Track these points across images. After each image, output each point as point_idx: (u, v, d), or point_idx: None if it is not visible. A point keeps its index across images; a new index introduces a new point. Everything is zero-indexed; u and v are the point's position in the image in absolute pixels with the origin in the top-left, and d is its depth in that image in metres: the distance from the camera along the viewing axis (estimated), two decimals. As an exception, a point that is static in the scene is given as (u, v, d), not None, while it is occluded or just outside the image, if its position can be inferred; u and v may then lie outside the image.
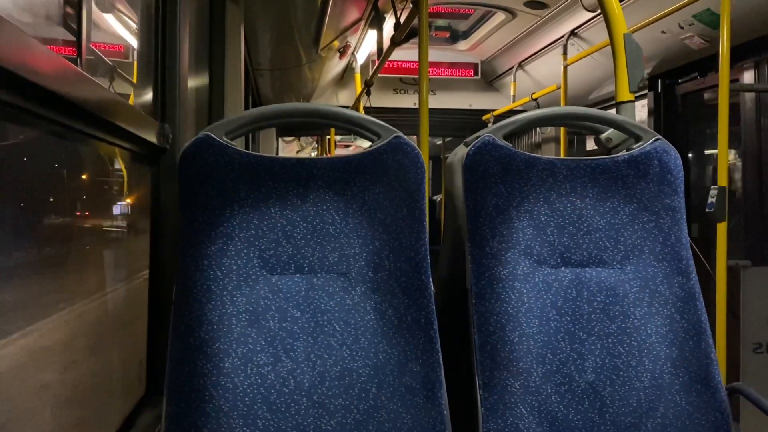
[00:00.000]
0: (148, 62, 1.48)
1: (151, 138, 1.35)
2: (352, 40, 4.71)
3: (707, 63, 3.67)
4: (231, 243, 1.22)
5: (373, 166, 1.28)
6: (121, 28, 1.57)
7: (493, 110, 5.88)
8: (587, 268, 1.32)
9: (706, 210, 2.77)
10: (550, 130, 5.85)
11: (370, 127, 1.31)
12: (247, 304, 1.21)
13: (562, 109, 1.51)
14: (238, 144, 1.28)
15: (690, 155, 4.12)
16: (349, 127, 1.32)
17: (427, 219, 2.50)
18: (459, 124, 6.41)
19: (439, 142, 8.92)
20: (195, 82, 2.26)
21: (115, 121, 1.07)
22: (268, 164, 1.26)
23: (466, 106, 6.10)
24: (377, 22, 3.91)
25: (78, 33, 0.96)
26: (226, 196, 1.23)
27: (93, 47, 1.94)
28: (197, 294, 1.19)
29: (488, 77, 6.09)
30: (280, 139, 7.71)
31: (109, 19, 2.05)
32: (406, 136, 1.31)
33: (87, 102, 0.92)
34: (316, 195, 1.27)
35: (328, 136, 7.00)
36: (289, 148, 9.95)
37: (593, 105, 4.92)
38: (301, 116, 1.35)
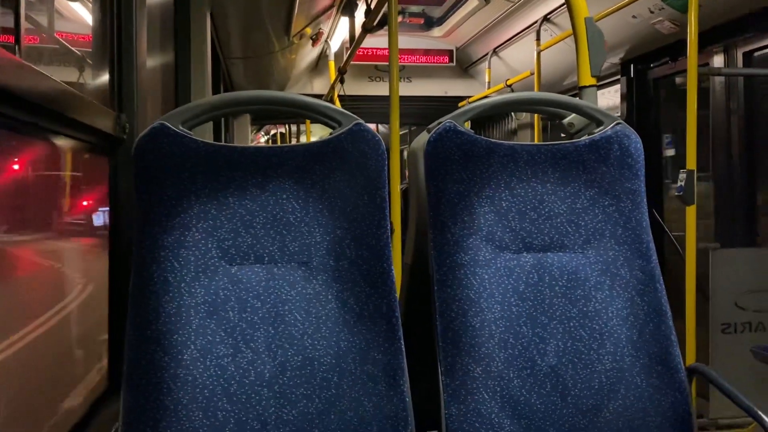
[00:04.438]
0: (104, 50, 1.45)
1: (107, 128, 1.32)
2: (325, 27, 4.67)
3: (678, 47, 3.69)
4: (188, 234, 1.20)
5: (333, 154, 1.26)
6: (89, 17, 1.54)
7: (469, 97, 5.88)
8: (549, 253, 1.33)
9: (676, 193, 2.79)
10: (525, 117, 5.87)
11: (329, 114, 1.29)
12: (206, 295, 1.19)
13: (524, 94, 1.50)
14: (207, 134, 1.26)
15: (662, 139, 4.15)
16: (308, 113, 1.31)
17: (399, 206, 2.49)
18: (435, 112, 6.41)
19: (403, 132, 8.78)
20: (159, 71, 2.22)
21: (62, 112, 1.04)
22: (225, 153, 1.24)
23: (441, 93, 6.09)
24: (349, 9, 3.88)
25: (16, 18, 0.93)
26: (182, 186, 1.21)
27: (58, 36, 1.91)
28: (154, 286, 1.17)
29: (463, 64, 6.08)
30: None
31: (76, 7, 2.00)
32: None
33: (28, 92, 0.89)
34: (276, 184, 1.26)
35: (295, 128, 6.95)
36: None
37: (567, 91, 4.94)
38: (259, 103, 1.33)
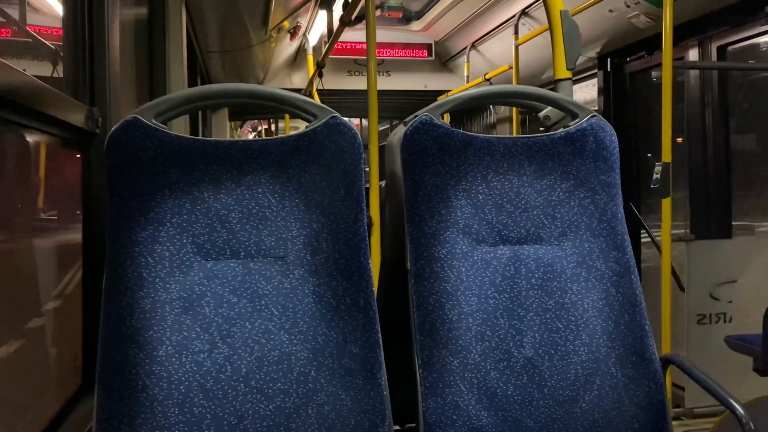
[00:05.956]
0: (76, 42, 1.42)
1: (78, 122, 1.30)
2: (303, 21, 4.64)
3: (654, 41, 3.72)
4: (162, 229, 1.19)
5: (308, 148, 1.26)
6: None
7: (448, 91, 5.89)
8: (525, 245, 1.33)
9: (651, 186, 2.83)
10: (504, 111, 5.89)
11: (304, 107, 1.28)
12: (181, 291, 1.18)
13: (500, 87, 1.50)
14: (184, 130, 1.24)
15: (638, 133, 4.19)
16: (283, 107, 1.29)
17: (378, 201, 2.48)
18: (414, 106, 6.40)
19: (384, 127, 8.73)
20: (134, 64, 2.19)
21: (31, 105, 1.02)
22: (200, 147, 1.23)
23: (420, 87, 6.09)
24: (327, 2, 3.86)
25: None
26: (156, 180, 1.20)
27: (31, 30, 1.86)
28: (128, 282, 1.15)
29: (442, 58, 6.08)
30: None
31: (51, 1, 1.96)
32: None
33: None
34: (251, 178, 1.24)
35: (281, 123, 6.91)
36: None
37: (545, 84, 4.96)
38: (232, 96, 1.32)
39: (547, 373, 1.27)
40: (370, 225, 1.35)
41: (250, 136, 11.34)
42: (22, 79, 1.00)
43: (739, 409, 1.11)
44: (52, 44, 1.71)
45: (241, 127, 10.40)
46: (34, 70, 1.78)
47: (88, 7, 1.41)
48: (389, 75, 5.90)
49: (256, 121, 9.77)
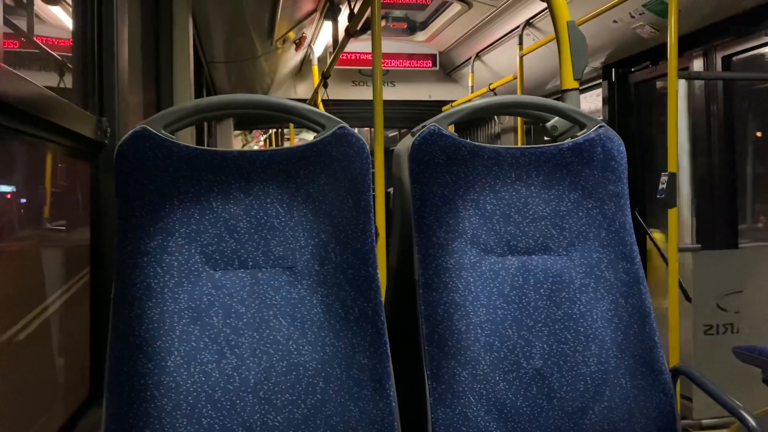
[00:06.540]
0: (85, 54, 1.43)
1: (88, 132, 1.30)
2: (308, 32, 4.67)
3: (659, 51, 3.73)
4: (171, 239, 1.19)
5: (317, 158, 1.26)
6: (69, 22, 1.52)
7: (453, 101, 5.90)
8: (533, 256, 1.33)
9: (657, 196, 2.82)
10: (508, 121, 5.90)
11: (313, 118, 1.28)
12: (190, 300, 1.18)
13: (508, 97, 1.51)
14: (189, 140, 1.25)
15: (643, 143, 4.19)
16: (292, 117, 1.30)
17: (384, 211, 2.48)
18: (419, 116, 6.42)
19: (393, 134, 8.80)
20: (141, 75, 2.21)
21: (42, 116, 1.03)
22: (208, 157, 1.23)
23: (425, 98, 6.11)
24: (332, 13, 3.88)
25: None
26: (165, 190, 1.20)
27: (38, 41, 1.87)
28: (137, 292, 1.15)
29: (447, 68, 6.10)
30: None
31: (57, 11, 1.98)
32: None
33: (6, 95, 0.88)
34: (260, 188, 1.25)
35: (286, 131, 6.94)
36: (234, 143, 10.00)
37: (550, 95, 4.97)
38: (242, 107, 1.32)
39: (557, 384, 1.26)
40: (375, 235, 1.35)
41: (262, 138, 11.46)
42: (34, 89, 1.01)
43: (752, 422, 1.10)
44: (59, 55, 1.72)
45: (250, 132, 10.55)
46: (42, 80, 1.79)
47: (98, 19, 1.42)
48: (394, 85, 5.92)
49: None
